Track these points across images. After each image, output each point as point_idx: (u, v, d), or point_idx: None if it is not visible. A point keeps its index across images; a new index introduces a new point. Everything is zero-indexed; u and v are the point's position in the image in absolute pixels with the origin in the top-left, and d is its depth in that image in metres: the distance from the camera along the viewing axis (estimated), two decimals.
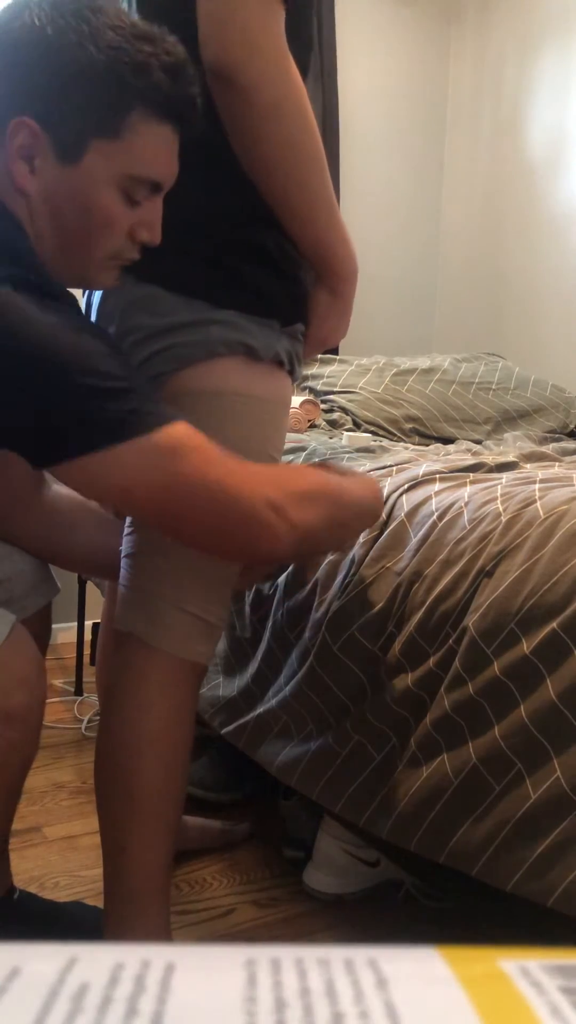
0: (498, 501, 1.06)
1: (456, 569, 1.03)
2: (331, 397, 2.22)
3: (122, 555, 1.02)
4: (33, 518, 1.11)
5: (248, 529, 0.82)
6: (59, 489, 1.15)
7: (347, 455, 1.55)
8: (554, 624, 0.90)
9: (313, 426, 2.11)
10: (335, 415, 2.16)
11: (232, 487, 0.80)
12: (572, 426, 2.39)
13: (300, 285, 1.01)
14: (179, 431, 0.80)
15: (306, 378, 2.37)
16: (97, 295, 1.02)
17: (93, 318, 1.03)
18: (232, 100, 0.87)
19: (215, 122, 0.91)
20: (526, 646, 0.92)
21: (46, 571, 1.16)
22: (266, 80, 0.85)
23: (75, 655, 2.27)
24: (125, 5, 0.97)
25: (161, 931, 0.97)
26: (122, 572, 1.01)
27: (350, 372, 2.31)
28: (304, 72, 0.93)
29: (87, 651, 2.36)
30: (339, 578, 1.17)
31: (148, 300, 0.96)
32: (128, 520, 1.02)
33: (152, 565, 0.98)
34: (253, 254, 0.96)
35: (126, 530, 1.02)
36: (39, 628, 1.15)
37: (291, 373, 1.04)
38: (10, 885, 1.15)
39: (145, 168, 0.84)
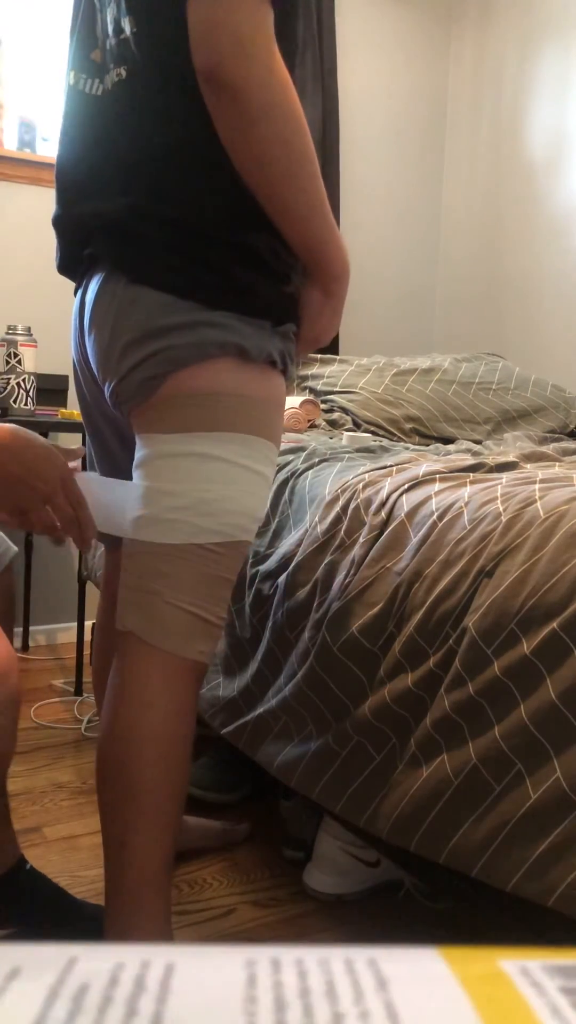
0: (498, 501, 1.06)
1: (456, 569, 1.03)
2: (331, 397, 2.22)
3: (123, 556, 1.02)
4: None
5: None
6: None
7: (347, 455, 1.55)
8: (554, 624, 0.90)
9: (313, 426, 2.11)
10: (335, 415, 2.16)
11: None
12: (572, 426, 2.39)
13: (291, 285, 1.02)
14: None
15: (306, 378, 2.37)
16: (91, 296, 1.02)
17: (87, 320, 1.03)
18: (224, 103, 0.88)
19: (207, 124, 0.91)
20: (526, 646, 0.92)
21: None
22: (257, 83, 0.86)
23: (75, 655, 2.27)
24: (115, 8, 0.97)
25: (161, 928, 0.97)
26: (122, 573, 1.02)
27: (350, 372, 2.31)
28: (290, 72, 0.93)
29: (87, 651, 2.36)
30: (339, 578, 1.17)
31: (141, 302, 0.96)
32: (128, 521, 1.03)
33: (151, 565, 0.98)
34: (245, 255, 0.97)
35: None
36: (2, 598, 1.15)
37: (284, 372, 1.04)
38: (20, 856, 1.15)
39: None
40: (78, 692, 2.18)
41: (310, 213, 0.95)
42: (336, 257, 1.01)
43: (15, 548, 1.20)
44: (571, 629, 0.89)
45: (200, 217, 0.95)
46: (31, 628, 2.59)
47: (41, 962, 0.15)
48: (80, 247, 1.04)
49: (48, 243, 2.52)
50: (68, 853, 1.45)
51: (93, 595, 2.47)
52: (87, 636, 2.48)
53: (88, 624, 2.57)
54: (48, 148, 2.58)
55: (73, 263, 1.07)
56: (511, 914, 0.95)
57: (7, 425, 0.96)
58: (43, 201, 2.52)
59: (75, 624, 2.65)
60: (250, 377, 0.99)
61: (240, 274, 0.96)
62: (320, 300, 1.05)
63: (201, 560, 0.98)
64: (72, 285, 2.55)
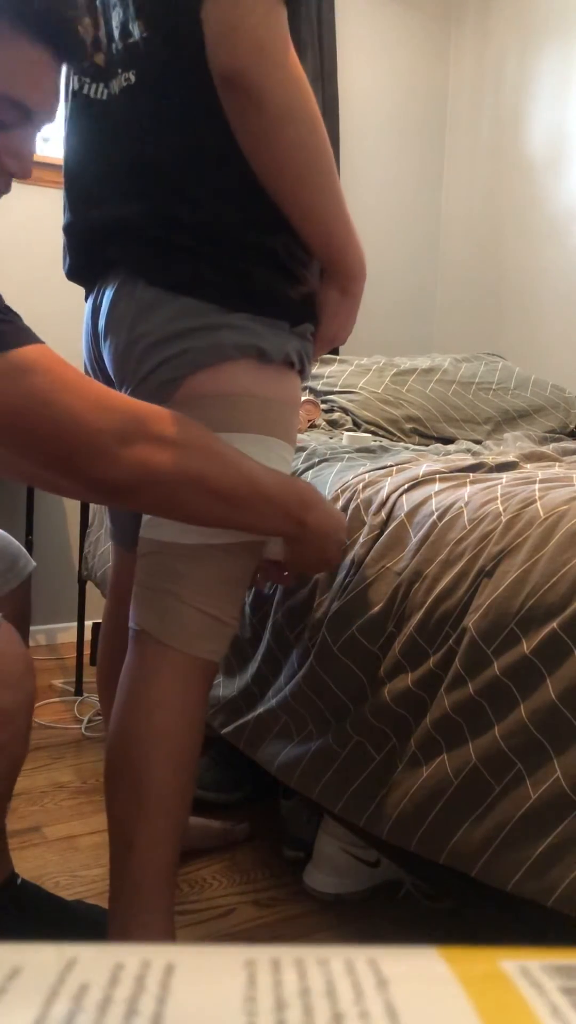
0: (498, 501, 1.06)
1: (456, 569, 1.03)
2: (331, 397, 2.22)
3: (138, 555, 1.03)
4: None
5: (84, 454, 0.81)
6: None
7: (347, 455, 1.55)
8: (554, 624, 0.90)
9: (313, 426, 2.11)
10: (335, 415, 2.16)
11: (77, 412, 0.79)
12: (572, 426, 2.39)
13: (308, 286, 1.02)
14: (34, 352, 0.79)
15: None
16: (106, 301, 1.01)
17: (102, 324, 1.03)
18: (242, 105, 0.88)
19: (221, 126, 0.91)
20: (526, 646, 0.92)
21: (16, 550, 1.16)
22: (275, 84, 0.86)
23: (75, 655, 2.27)
24: (122, 11, 0.97)
25: (166, 927, 0.97)
26: (137, 572, 1.02)
27: (350, 372, 2.31)
28: None
29: (87, 651, 2.36)
30: (339, 578, 1.17)
31: (158, 304, 0.96)
32: (143, 522, 1.03)
33: (167, 565, 0.98)
34: (262, 257, 0.96)
35: (141, 531, 1.03)
36: (19, 608, 1.15)
37: (301, 373, 1.04)
38: (11, 871, 1.15)
39: (9, 86, 0.80)
40: (78, 692, 2.18)
41: (329, 213, 0.95)
42: (354, 256, 1.01)
43: (34, 563, 1.21)
44: (571, 629, 0.89)
45: (217, 220, 0.95)
46: (31, 628, 2.59)
47: (41, 962, 0.15)
48: (93, 252, 1.03)
49: (49, 243, 2.52)
50: (68, 853, 1.45)
51: (93, 595, 2.47)
52: (87, 636, 2.48)
53: (88, 624, 2.57)
54: (48, 148, 2.58)
55: (85, 269, 1.07)
56: (511, 914, 0.95)
57: (305, 482, 1.01)
58: (43, 201, 2.52)
59: (75, 624, 2.65)
60: (267, 378, 0.99)
61: (257, 276, 0.96)
62: (337, 299, 1.05)
63: (217, 560, 0.98)
64: (76, 287, 2.54)
